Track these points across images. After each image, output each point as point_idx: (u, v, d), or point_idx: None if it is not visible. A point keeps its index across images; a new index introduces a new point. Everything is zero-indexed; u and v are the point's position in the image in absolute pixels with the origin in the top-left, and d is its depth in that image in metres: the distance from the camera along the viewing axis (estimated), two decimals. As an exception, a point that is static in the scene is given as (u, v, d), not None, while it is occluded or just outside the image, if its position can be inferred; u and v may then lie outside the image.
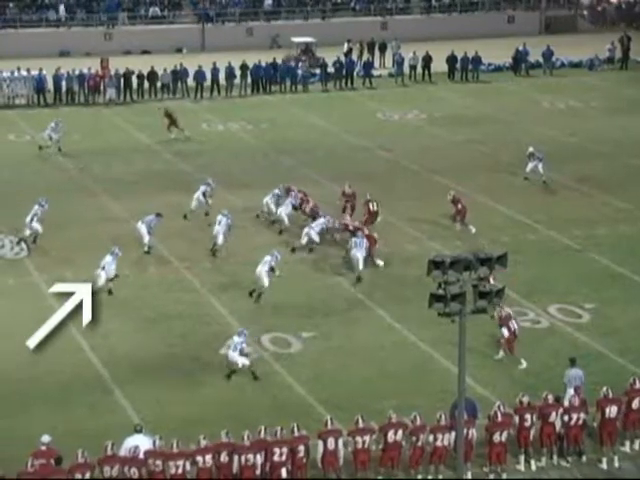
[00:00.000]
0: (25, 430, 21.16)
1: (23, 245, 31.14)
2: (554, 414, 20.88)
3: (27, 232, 30.99)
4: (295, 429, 19.97)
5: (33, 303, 27.52)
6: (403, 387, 23.41)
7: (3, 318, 26.62)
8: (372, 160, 40.29)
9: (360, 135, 43.46)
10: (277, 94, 50.86)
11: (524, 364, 24.34)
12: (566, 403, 21.16)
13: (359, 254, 28.78)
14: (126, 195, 35.12)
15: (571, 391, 21.80)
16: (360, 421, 20.28)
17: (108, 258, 27.94)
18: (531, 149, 36.94)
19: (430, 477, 20.42)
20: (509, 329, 24.48)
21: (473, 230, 31.86)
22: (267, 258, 27.73)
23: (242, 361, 23.80)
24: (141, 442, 19.61)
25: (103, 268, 27.76)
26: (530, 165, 36.58)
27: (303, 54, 53.43)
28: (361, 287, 28.65)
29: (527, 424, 20.76)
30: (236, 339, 24.09)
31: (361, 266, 28.70)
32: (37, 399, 22.78)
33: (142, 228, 30.72)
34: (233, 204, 33.42)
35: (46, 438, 19.46)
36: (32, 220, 30.98)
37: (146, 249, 30.67)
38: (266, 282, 27.44)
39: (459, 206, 32.63)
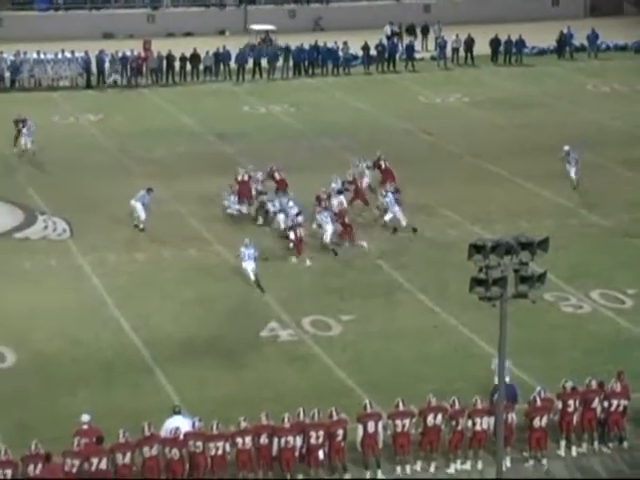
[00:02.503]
0: (68, 410, 21.32)
1: (66, 226, 31.36)
2: (597, 400, 20.75)
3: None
4: (334, 412, 20.00)
5: (76, 285, 27.82)
6: (443, 371, 23.37)
7: (46, 300, 26.81)
8: (414, 143, 40.12)
9: (402, 118, 43.28)
10: (319, 77, 50.75)
11: (308, 263, 28.65)
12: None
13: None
14: (168, 177, 35.19)
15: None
16: (400, 404, 20.26)
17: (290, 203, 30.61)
18: (567, 148, 34.49)
19: (469, 462, 20.38)
20: (295, 235, 28.87)
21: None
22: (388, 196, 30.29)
23: (253, 269, 27.30)
24: (181, 423, 19.71)
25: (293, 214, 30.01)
26: (571, 170, 34.13)
27: (262, 42, 52.80)
28: (402, 271, 28.62)
29: (570, 409, 20.63)
30: (247, 251, 27.34)
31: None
32: (79, 380, 22.96)
33: (137, 205, 30.86)
34: (273, 187, 33.45)
35: (86, 417, 19.63)
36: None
37: (141, 226, 30.81)
38: (403, 223, 30.22)
39: (383, 167, 32.83)
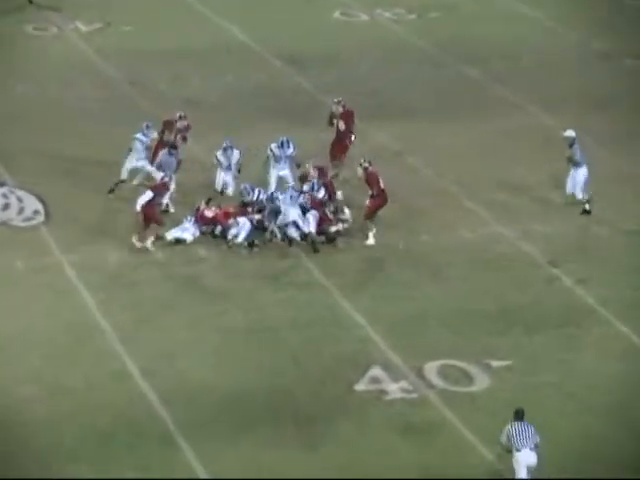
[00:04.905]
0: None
1: (39, 205, 31.77)
2: None
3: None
4: (476, 518, 20.08)
5: (56, 301, 28.09)
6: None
7: (8, 326, 27.04)
8: (612, 75, 40.30)
9: (593, 34, 43.21)
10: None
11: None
12: None
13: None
14: (206, 128, 35.35)
15: (521, 456, 21.74)
16: (587, 508, 20.31)
17: None
18: (570, 133, 32.30)
19: None
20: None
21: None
22: None
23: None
24: None
25: None
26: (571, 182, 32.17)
27: None
28: (590, 287, 28.58)
29: None
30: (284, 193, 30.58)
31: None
32: (63, 454, 23.15)
33: (154, 172, 31.96)
34: (377, 142, 33.56)
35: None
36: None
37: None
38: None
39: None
